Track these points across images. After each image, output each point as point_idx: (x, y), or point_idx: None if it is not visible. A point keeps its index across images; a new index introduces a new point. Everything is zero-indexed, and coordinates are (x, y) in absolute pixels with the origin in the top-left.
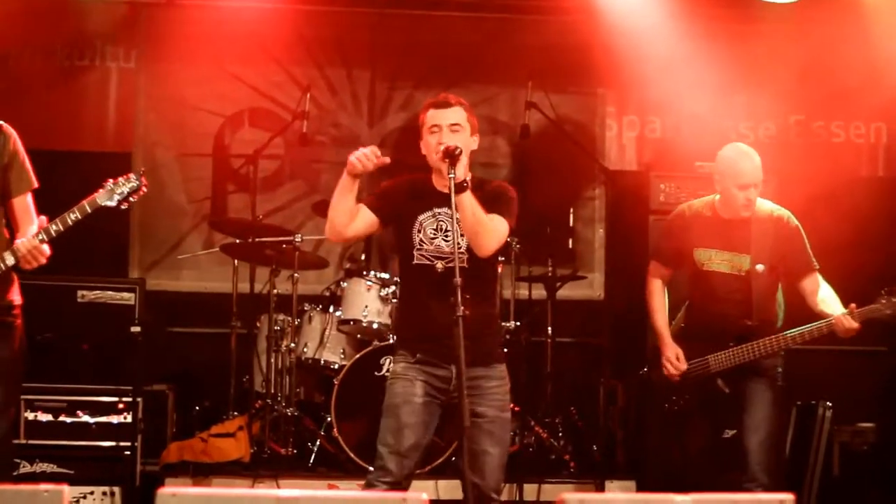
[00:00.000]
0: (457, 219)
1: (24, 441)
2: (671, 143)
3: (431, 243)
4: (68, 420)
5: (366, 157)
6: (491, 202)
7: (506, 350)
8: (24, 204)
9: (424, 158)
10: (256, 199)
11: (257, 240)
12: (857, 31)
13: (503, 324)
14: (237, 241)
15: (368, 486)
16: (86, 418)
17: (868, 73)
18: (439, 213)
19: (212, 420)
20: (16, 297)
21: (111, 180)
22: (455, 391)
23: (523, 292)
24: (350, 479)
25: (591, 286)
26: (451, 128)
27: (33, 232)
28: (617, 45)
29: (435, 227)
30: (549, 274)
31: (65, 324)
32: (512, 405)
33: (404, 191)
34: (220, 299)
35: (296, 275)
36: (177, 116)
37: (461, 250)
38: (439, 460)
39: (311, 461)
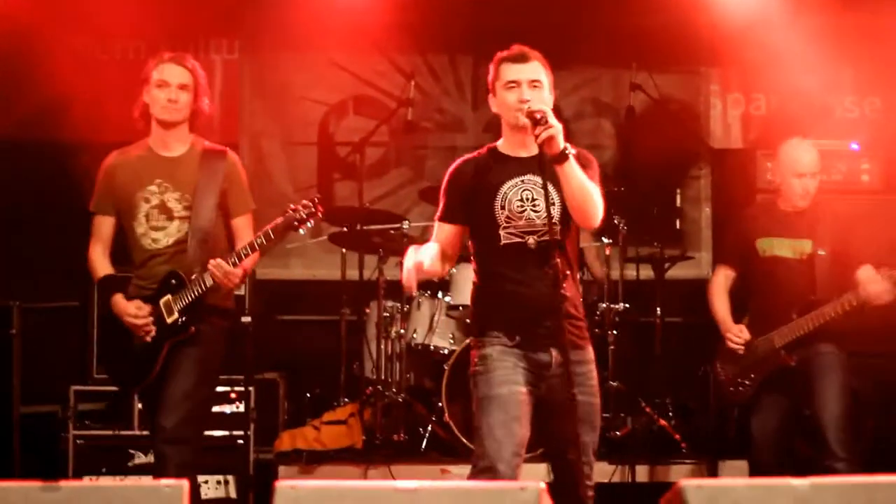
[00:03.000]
0: (540, 184)
1: (138, 431)
2: (776, 119)
3: (521, 217)
4: None
5: (409, 275)
6: (583, 169)
7: (615, 332)
8: (242, 223)
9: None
10: (363, 186)
11: (365, 227)
12: None
13: (613, 306)
14: (345, 228)
15: None
16: None
17: None
18: (524, 181)
19: (323, 407)
20: (226, 302)
21: (291, 206)
22: (553, 377)
23: (631, 273)
24: (463, 463)
25: (698, 265)
26: (530, 84)
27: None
28: (720, 21)
29: (520, 198)
30: (657, 255)
31: None
32: (622, 386)
33: (469, 176)
34: (329, 287)
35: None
36: (281, 106)
37: (553, 222)
38: None
39: (423, 446)
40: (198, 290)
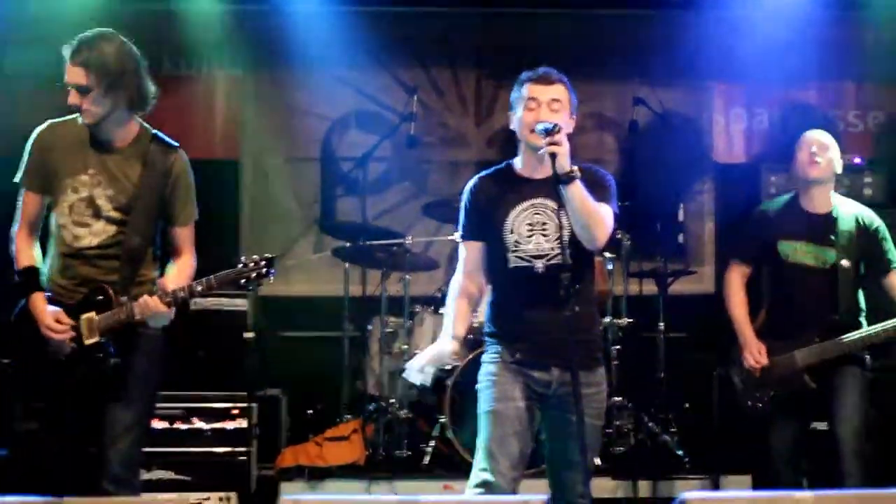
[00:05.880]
0: (551, 208)
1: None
2: (779, 134)
3: (529, 241)
4: (184, 427)
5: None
6: (593, 189)
7: (618, 347)
8: (183, 235)
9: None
10: (366, 201)
11: (368, 243)
12: None
13: (616, 321)
14: (348, 244)
15: None
16: (201, 425)
17: None
18: (535, 205)
19: (325, 424)
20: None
21: (243, 261)
22: (554, 396)
23: (634, 287)
24: (465, 479)
25: (701, 280)
26: (550, 105)
27: (180, 271)
28: (722, 37)
29: (530, 222)
30: (660, 270)
31: (179, 332)
32: (625, 401)
33: (485, 194)
34: (332, 303)
35: (407, 276)
36: (284, 121)
37: (563, 245)
38: None
39: (426, 462)
40: (125, 319)
